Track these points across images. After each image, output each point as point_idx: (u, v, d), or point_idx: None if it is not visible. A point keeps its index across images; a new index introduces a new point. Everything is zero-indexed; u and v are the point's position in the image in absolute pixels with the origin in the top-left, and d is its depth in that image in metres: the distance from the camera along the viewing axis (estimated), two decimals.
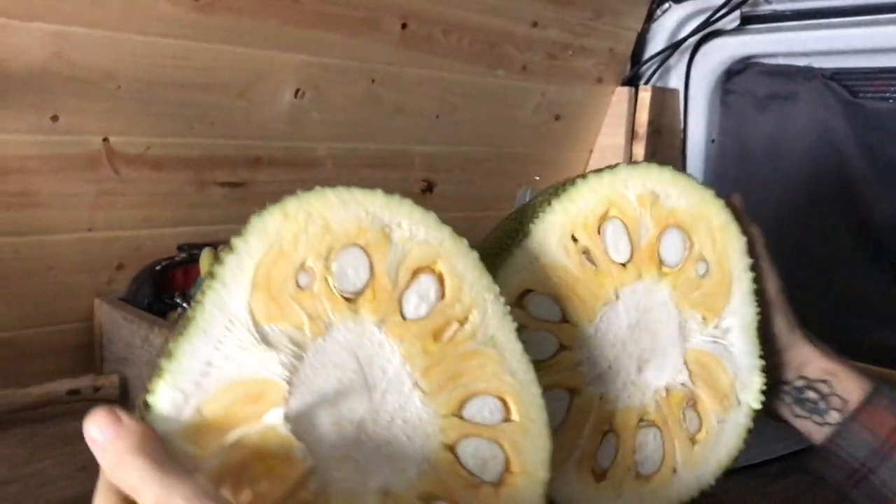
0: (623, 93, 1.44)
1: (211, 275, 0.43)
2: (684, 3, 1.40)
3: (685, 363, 0.60)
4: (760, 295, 0.62)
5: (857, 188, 1.34)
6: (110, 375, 0.86)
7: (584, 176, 0.59)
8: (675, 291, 0.60)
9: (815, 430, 0.62)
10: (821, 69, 1.36)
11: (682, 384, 0.60)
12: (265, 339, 0.43)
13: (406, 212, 0.47)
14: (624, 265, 0.58)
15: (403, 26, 1.07)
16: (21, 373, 0.87)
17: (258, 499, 0.40)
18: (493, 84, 1.23)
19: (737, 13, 1.37)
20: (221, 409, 0.41)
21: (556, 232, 0.56)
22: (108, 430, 0.37)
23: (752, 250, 0.62)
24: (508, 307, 0.50)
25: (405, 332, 0.47)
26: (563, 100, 1.36)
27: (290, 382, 0.43)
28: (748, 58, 1.43)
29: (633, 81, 1.47)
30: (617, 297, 0.58)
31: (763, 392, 0.61)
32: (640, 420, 0.59)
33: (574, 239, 0.57)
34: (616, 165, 0.59)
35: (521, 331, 0.51)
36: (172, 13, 0.86)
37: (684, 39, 1.41)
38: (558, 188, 0.59)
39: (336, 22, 1.00)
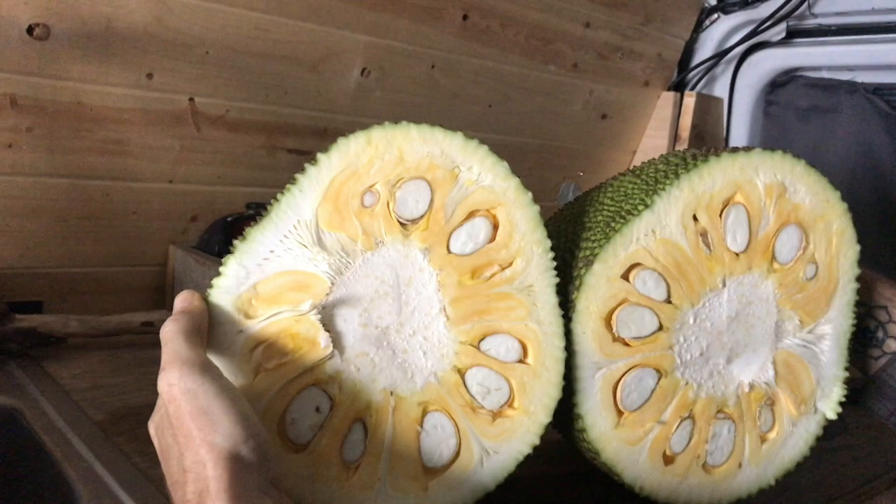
0: (669, 97, 1.51)
1: (293, 180, 0.50)
2: (732, 15, 1.46)
3: (773, 363, 0.59)
4: None
5: (894, 198, 1.38)
6: None
7: (717, 153, 0.57)
8: (779, 289, 0.59)
9: (872, 365, 0.62)
10: (863, 83, 1.40)
11: (766, 383, 0.59)
12: (322, 243, 0.49)
13: (479, 157, 0.51)
14: (737, 255, 0.57)
15: (465, 17, 1.15)
16: (102, 306, 0.95)
17: (281, 366, 0.48)
18: (545, 79, 1.30)
19: (783, 26, 1.42)
20: (272, 290, 0.49)
21: (678, 208, 0.55)
22: (180, 301, 0.48)
23: None
24: (553, 262, 0.53)
25: (446, 264, 0.51)
26: (610, 99, 1.42)
27: (333, 282, 0.49)
28: (793, 70, 1.48)
29: (679, 87, 1.53)
30: (724, 285, 0.57)
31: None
32: (719, 411, 0.58)
33: (695, 218, 0.56)
34: (752, 149, 0.57)
35: (621, 305, 0.54)
36: None
37: (730, 49, 1.47)
38: (688, 160, 0.58)
39: (404, 8, 1.08)
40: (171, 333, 0.45)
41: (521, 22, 1.21)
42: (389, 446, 0.50)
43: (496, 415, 0.52)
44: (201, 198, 1.02)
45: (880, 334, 0.62)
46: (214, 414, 0.41)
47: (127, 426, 0.69)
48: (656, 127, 1.51)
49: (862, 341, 0.62)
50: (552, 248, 0.56)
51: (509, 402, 0.52)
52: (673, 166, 0.57)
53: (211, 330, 0.48)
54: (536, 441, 0.53)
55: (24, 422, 0.69)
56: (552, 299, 0.53)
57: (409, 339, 0.51)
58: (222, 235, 0.98)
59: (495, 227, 0.52)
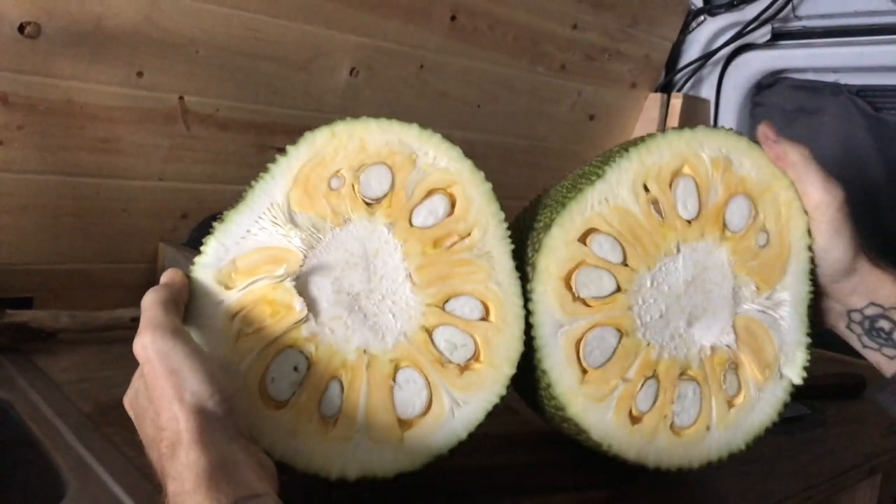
0: (656, 99, 1.52)
1: (266, 169, 0.56)
2: (718, 17, 1.48)
3: (733, 327, 0.61)
4: (817, 212, 0.61)
5: (880, 201, 1.39)
6: None
7: (664, 131, 0.62)
8: (733, 256, 0.61)
9: (886, 364, 0.61)
10: (847, 85, 1.42)
11: (727, 346, 0.61)
12: (294, 221, 0.55)
13: (434, 143, 0.58)
14: (689, 222, 0.60)
15: (453, 18, 1.16)
16: (92, 302, 0.96)
17: (260, 331, 0.54)
18: (533, 79, 1.32)
19: (768, 28, 1.44)
20: (249, 264, 0.54)
21: (629, 178, 0.59)
22: (164, 279, 0.53)
23: (800, 173, 0.61)
24: (508, 231, 0.58)
25: (410, 236, 0.56)
26: (598, 100, 1.44)
27: (306, 255, 0.55)
28: (778, 72, 1.50)
29: (666, 89, 1.55)
30: (678, 250, 0.60)
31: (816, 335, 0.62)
32: (683, 373, 0.60)
33: (646, 188, 0.59)
34: (696, 126, 0.61)
35: (579, 266, 0.58)
36: None
37: (717, 51, 1.49)
38: (638, 139, 0.61)
39: (392, 9, 1.09)
40: (149, 302, 0.50)
41: (509, 23, 1.22)
42: (365, 401, 0.55)
43: (464, 368, 0.56)
44: (191, 196, 1.04)
45: (894, 337, 0.60)
46: (183, 372, 0.46)
47: (115, 417, 0.70)
48: (644, 128, 1.52)
49: (877, 340, 0.61)
50: (530, 221, 0.62)
51: (475, 357, 0.57)
52: (626, 143, 0.62)
53: (195, 301, 0.53)
54: (503, 391, 0.57)
55: (14, 413, 0.71)
56: (509, 263, 0.58)
57: (378, 303, 0.56)
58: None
59: (453, 203, 0.57)
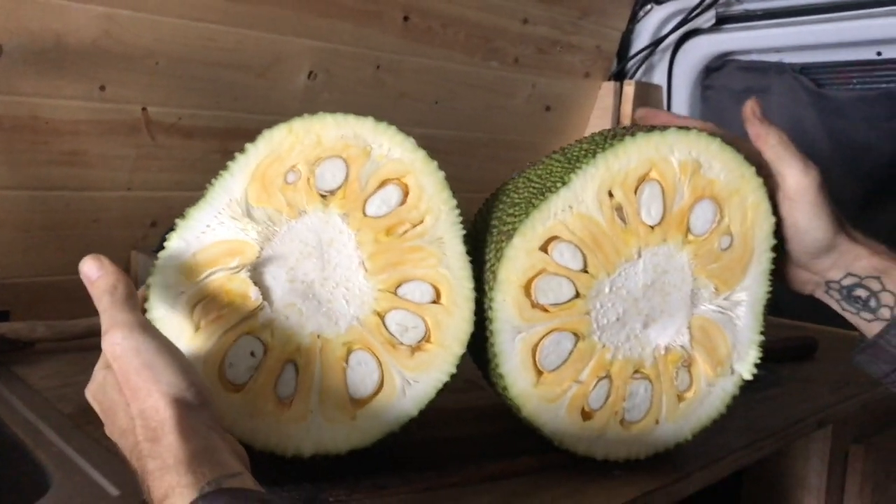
0: (609, 87, 1.57)
1: (225, 167, 0.59)
2: (665, 5, 1.54)
3: (689, 327, 0.63)
4: (797, 194, 0.62)
5: (828, 171, 1.44)
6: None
7: (633, 133, 0.60)
8: (694, 259, 0.62)
9: (864, 325, 0.63)
10: (790, 64, 1.49)
11: (682, 346, 0.63)
12: (251, 215, 0.57)
13: (389, 135, 0.59)
14: (652, 227, 0.61)
15: (405, 18, 1.20)
16: (68, 313, 0.98)
17: (219, 319, 0.56)
18: (488, 75, 1.36)
19: (712, 13, 1.50)
20: (209, 257, 0.57)
21: (594, 185, 0.59)
22: (94, 270, 0.53)
23: (779, 153, 0.62)
24: (460, 217, 0.60)
25: (363, 225, 0.58)
26: (553, 92, 1.48)
27: (262, 246, 0.57)
28: (725, 55, 1.56)
29: (618, 77, 1.60)
30: (639, 255, 0.61)
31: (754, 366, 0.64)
32: (636, 372, 0.62)
33: (610, 194, 0.59)
34: (667, 128, 0.61)
35: (540, 274, 0.59)
36: (206, 1, 0.99)
37: (665, 37, 1.54)
38: (607, 139, 0.61)
39: (346, 12, 1.13)
40: (107, 303, 0.51)
41: (461, 21, 1.26)
42: (319, 382, 0.58)
43: (415, 349, 0.59)
44: (159, 203, 1.06)
45: (873, 303, 0.62)
46: (157, 367, 0.48)
47: (96, 416, 0.72)
48: (599, 116, 1.57)
49: (855, 306, 0.64)
50: (491, 219, 0.63)
51: (426, 338, 0.59)
52: (594, 145, 0.61)
53: (158, 292, 0.56)
54: (453, 370, 0.59)
55: None
56: (460, 248, 0.60)
57: (332, 290, 0.59)
58: None
59: (406, 192, 0.59)
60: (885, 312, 0.61)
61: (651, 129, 0.60)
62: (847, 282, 0.63)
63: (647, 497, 0.62)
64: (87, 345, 0.93)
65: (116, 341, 0.48)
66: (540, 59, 1.42)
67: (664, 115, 0.68)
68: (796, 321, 1.24)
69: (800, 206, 0.62)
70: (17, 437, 0.68)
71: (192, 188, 1.09)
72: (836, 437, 0.90)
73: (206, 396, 0.49)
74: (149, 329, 0.50)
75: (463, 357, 0.60)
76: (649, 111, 0.68)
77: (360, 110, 1.17)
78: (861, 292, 0.63)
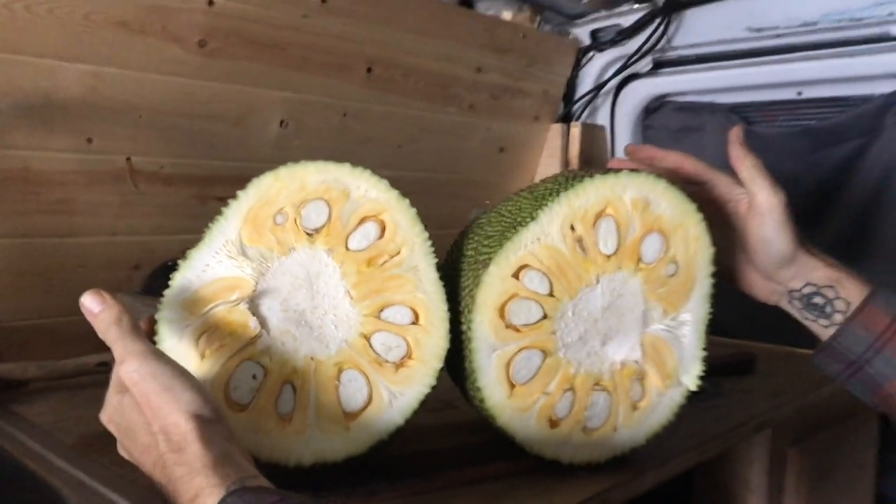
0: (557, 129, 1.68)
1: (220, 212, 0.66)
2: (606, 52, 1.66)
3: (641, 344, 0.70)
4: (766, 211, 0.70)
5: None
6: None
7: (591, 175, 0.68)
8: (645, 284, 0.69)
9: (821, 331, 0.71)
10: (722, 104, 1.61)
11: (635, 361, 0.70)
12: (245, 254, 0.64)
13: (365, 178, 0.66)
14: (609, 257, 0.68)
15: (369, 70, 1.29)
16: (57, 355, 1.03)
17: (222, 347, 0.63)
18: (446, 120, 1.45)
19: (649, 58, 1.62)
20: (210, 292, 0.64)
21: (559, 220, 0.67)
22: (95, 304, 0.58)
23: (753, 174, 0.71)
24: (433, 248, 0.67)
25: (346, 258, 0.65)
26: (506, 134, 1.59)
27: (257, 281, 0.64)
28: (662, 96, 1.68)
29: (565, 119, 1.71)
30: (597, 281, 0.68)
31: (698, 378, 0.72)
32: (596, 384, 0.70)
33: (572, 228, 0.67)
34: (619, 170, 0.68)
35: (512, 298, 0.66)
36: (183, 57, 1.07)
37: (607, 82, 1.66)
38: (569, 180, 0.69)
39: (314, 65, 1.21)
40: (116, 335, 0.56)
41: (420, 71, 1.36)
42: (315, 399, 0.65)
43: (398, 366, 0.66)
44: (142, 247, 1.12)
45: (828, 309, 0.71)
46: (176, 388, 0.54)
47: (100, 445, 0.77)
48: (549, 156, 1.68)
49: (813, 313, 0.72)
50: (466, 250, 0.71)
51: (408, 355, 0.66)
52: (557, 185, 0.69)
53: (166, 325, 0.63)
54: (433, 382, 0.66)
55: (4, 452, 0.77)
56: (434, 275, 0.67)
57: (322, 317, 0.66)
58: (165, 279, 1.07)
59: (383, 227, 0.66)
60: (839, 317, 0.70)
61: (607, 171, 0.69)
62: (807, 290, 0.72)
63: (606, 493, 0.70)
64: (78, 383, 0.98)
65: (133, 368, 0.54)
66: (493, 105, 1.52)
67: (648, 149, 0.78)
68: (737, 339, 1.35)
69: (768, 221, 0.70)
70: (28, 467, 0.73)
71: (173, 232, 1.16)
72: (775, 440, 0.99)
73: (219, 412, 0.56)
74: (161, 355, 0.56)
75: (441, 374, 0.68)
76: (635, 147, 0.78)
77: (328, 155, 1.26)
78: (819, 300, 0.71)
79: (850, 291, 0.70)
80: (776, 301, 0.75)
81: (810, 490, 1.04)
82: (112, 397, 0.58)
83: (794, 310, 0.74)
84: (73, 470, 0.71)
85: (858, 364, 0.69)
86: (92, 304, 0.58)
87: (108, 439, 0.71)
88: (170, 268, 1.08)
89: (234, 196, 0.67)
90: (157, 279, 1.09)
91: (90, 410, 0.91)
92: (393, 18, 1.28)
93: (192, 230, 1.16)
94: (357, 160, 0.66)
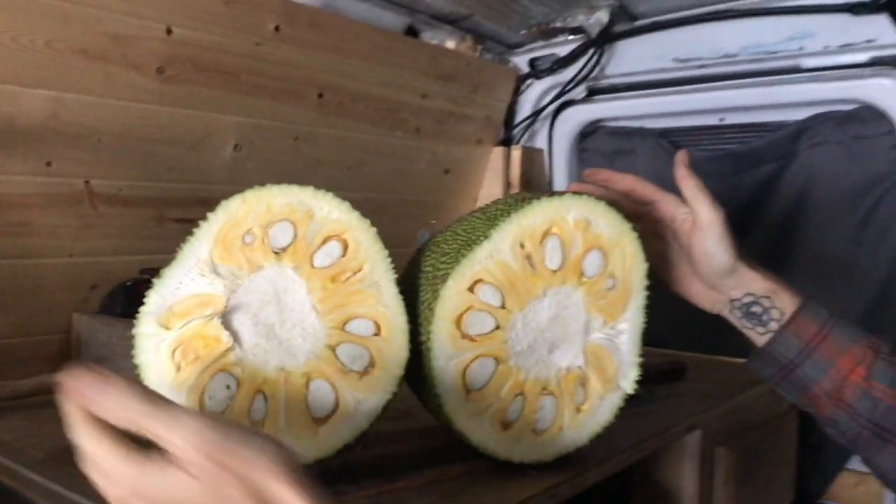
0: (498, 152, 1.76)
1: (191, 233, 0.69)
2: (543, 79, 1.75)
3: (584, 352, 0.76)
4: (707, 227, 0.76)
5: None
6: None
7: (539, 197, 0.74)
8: (587, 297, 0.75)
9: (757, 337, 0.78)
10: (651, 129, 1.71)
11: (579, 367, 0.76)
12: (217, 272, 0.67)
13: (327, 200, 0.70)
14: (554, 272, 0.73)
15: (320, 95, 1.34)
16: (12, 374, 1.04)
17: (196, 360, 0.66)
18: (393, 143, 1.52)
19: (584, 86, 1.72)
20: (183, 308, 0.67)
21: (510, 238, 0.72)
22: (93, 385, 0.46)
23: (695, 193, 0.77)
24: (392, 264, 0.72)
25: (312, 275, 0.69)
26: (450, 157, 1.66)
27: (228, 297, 0.67)
28: (596, 121, 1.77)
29: (506, 143, 1.79)
30: (545, 294, 0.73)
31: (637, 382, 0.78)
32: (543, 389, 0.75)
33: (522, 246, 0.72)
34: (564, 193, 0.74)
35: (468, 310, 0.71)
36: (142, 83, 1.10)
37: (544, 108, 1.75)
38: (518, 202, 0.74)
39: (267, 91, 1.26)
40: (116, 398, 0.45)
41: (369, 97, 1.42)
42: (285, 407, 0.68)
43: (362, 374, 0.70)
44: (99, 268, 1.14)
45: (765, 317, 0.77)
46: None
47: (70, 458, 0.80)
48: (491, 177, 1.75)
49: (752, 321, 0.78)
50: (424, 266, 0.76)
51: (371, 364, 0.70)
52: (507, 206, 0.75)
53: (142, 341, 0.67)
54: (396, 389, 0.71)
55: None
56: (394, 289, 0.71)
57: (290, 330, 0.69)
58: (123, 298, 1.10)
59: (345, 246, 0.70)
60: (773, 325, 0.76)
61: (552, 193, 0.75)
62: (746, 300, 0.78)
63: (554, 489, 0.76)
64: (37, 402, 0.99)
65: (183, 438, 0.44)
66: (438, 129, 1.59)
67: (604, 172, 0.85)
68: (669, 349, 1.44)
69: (709, 235, 0.76)
70: (2, 482, 0.75)
71: (131, 253, 1.19)
72: (705, 440, 1.07)
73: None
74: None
75: (401, 383, 0.73)
76: (591, 171, 0.84)
77: (281, 178, 1.31)
78: (756, 309, 0.77)
79: (784, 302, 0.76)
80: (719, 310, 0.82)
81: (738, 486, 1.12)
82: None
83: (735, 318, 0.80)
84: (47, 482, 0.73)
85: (790, 368, 0.76)
86: (73, 383, 0.47)
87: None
88: (128, 288, 1.12)
89: (190, 217, 0.70)
90: (114, 299, 1.12)
91: (56, 426, 0.92)
92: (343, 47, 1.34)
93: (150, 251, 1.21)
94: (308, 182, 0.70)
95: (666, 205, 0.82)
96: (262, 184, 0.70)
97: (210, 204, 1.25)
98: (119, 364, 1.04)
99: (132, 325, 1.03)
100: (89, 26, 1.02)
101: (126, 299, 1.10)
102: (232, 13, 1.16)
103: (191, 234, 0.69)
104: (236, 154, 1.26)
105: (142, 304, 1.16)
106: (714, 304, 0.82)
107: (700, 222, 0.77)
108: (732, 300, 0.79)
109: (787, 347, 0.76)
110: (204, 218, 0.69)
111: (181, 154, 1.19)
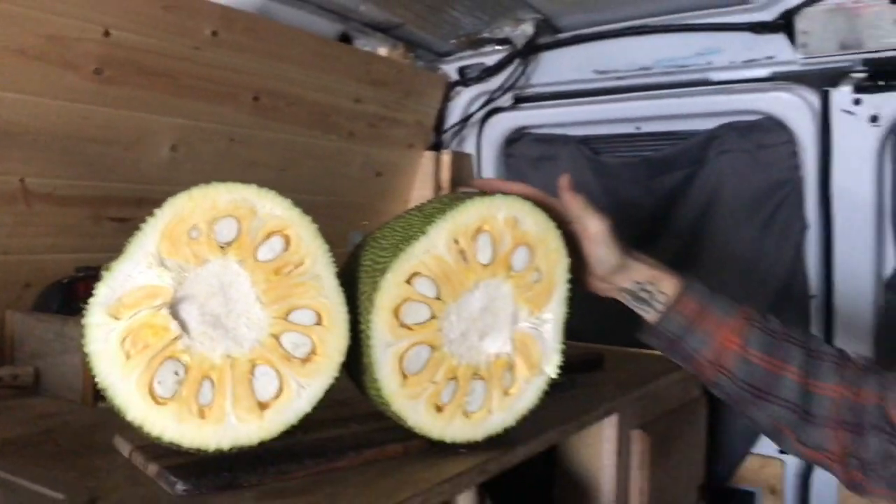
0: (429, 156, 1.83)
1: (139, 228, 0.72)
2: (472, 87, 1.82)
3: (512, 339, 0.82)
4: (596, 236, 0.84)
5: None
6: (27, 367, 1.06)
7: (471, 196, 0.79)
8: (515, 289, 0.81)
9: (648, 317, 0.87)
10: (573, 136, 1.81)
11: (507, 353, 0.82)
12: (164, 265, 0.71)
13: (270, 198, 0.74)
14: (485, 266, 0.79)
15: (255, 98, 1.38)
16: None
17: (146, 348, 0.70)
18: (327, 146, 1.56)
19: (510, 94, 1.80)
20: (132, 299, 0.70)
21: (444, 235, 0.77)
22: None
23: (583, 209, 0.84)
24: (332, 258, 0.76)
25: (256, 268, 0.73)
26: (382, 160, 1.71)
27: (176, 289, 0.71)
28: (521, 128, 1.86)
29: (436, 147, 1.86)
30: (476, 286, 0.79)
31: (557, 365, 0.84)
32: (475, 374, 0.80)
33: (456, 241, 0.78)
34: (494, 194, 0.80)
35: (405, 301, 0.76)
36: (80, 84, 1.12)
37: (473, 115, 1.83)
38: (453, 201, 0.79)
39: (204, 94, 1.29)
40: None
41: (303, 100, 1.46)
42: (231, 391, 0.72)
43: (305, 361, 0.74)
44: (34, 266, 1.15)
45: (652, 300, 0.86)
46: None
47: (17, 448, 0.82)
48: (422, 180, 1.82)
49: (641, 304, 0.87)
50: (363, 260, 0.81)
51: (313, 351, 0.75)
52: (443, 205, 0.80)
53: (93, 331, 0.69)
54: (336, 374, 0.75)
55: None
56: (334, 282, 0.76)
57: (236, 319, 0.73)
58: (60, 295, 1.11)
59: (287, 241, 0.75)
60: (660, 307, 0.86)
61: (484, 194, 0.81)
62: (634, 287, 0.87)
63: (484, 465, 0.82)
64: None
65: None
66: (371, 133, 1.64)
67: (496, 182, 0.92)
68: (588, 343, 1.52)
69: (599, 243, 0.85)
70: None
71: (65, 251, 1.20)
72: (621, 424, 1.16)
73: None
74: None
75: (341, 372, 0.77)
76: (482, 180, 0.92)
77: (216, 178, 1.34)
78: (644, 294, 0.87)
79: (666, 286, 0.86)
80: (614, 295, 0.91)
81: (652, 466, 1.21)
82: None
83: (627, 302, 0.89)
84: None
85: (676, 341, 0.86)
86: None
87: (25, 441, 0.79)
88: (65, 286, 1.13)
89: (127, 216, 0.73)
90: (50, 297, 1.13)
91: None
92: (278, 52, 1.37)
93: (86, 249, 1.22)
94: (243, 182, 0.74)
95: (558, 213, 0.89)
96: (199, 184, 0.73)
97: (147, 203, 1.28)
98: (55, 360, 1.06)
99: (68, 322, 1.05)
100: (27, 27, 1.03)
101: (62, 297, 1.11)
102: (170, 17, 1.18)
103: (128, 232, 0.72)
104: (173, 154, 1.28)
105: (78, 301, 1.18)
106: (608, 292, 0.91)
107: (589, 233, 0.85)
108: (622, 288, 0.88)
109: (673, 324, 0.86)
110: (141, 217, 0.72)
111: (118, 154, 1.20)
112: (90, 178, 1.18)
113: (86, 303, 1.13)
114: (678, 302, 0.85)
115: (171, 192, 1.33)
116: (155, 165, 1.26)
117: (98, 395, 0.98)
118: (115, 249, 1.23)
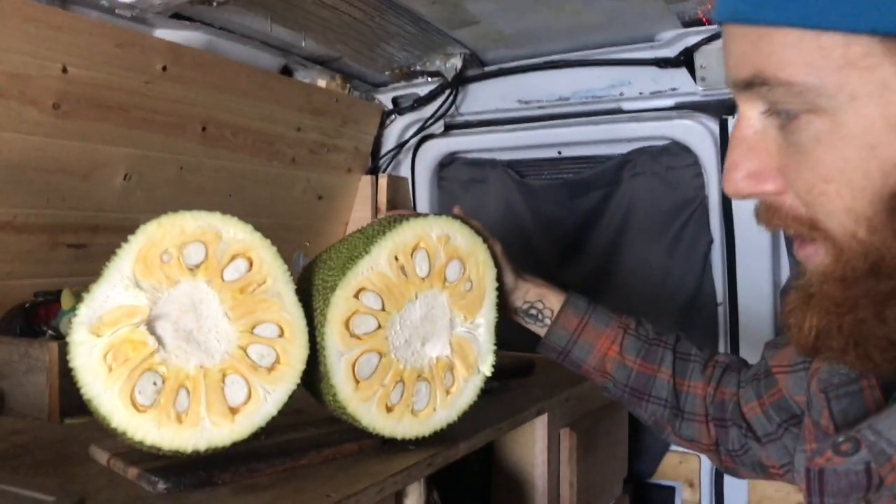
0: (367, 180, 1.93)
1: (115, 253, 0.79)
2: (406, 115, 1.93)
3: (450, 343, 0.90)
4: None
5: (530, 239, 1.90)
6: None
7: (408, 218, 0.87)
8: (450, 298, 0.89)
9: (540, 331, 0.93)
10: (501, 160, 1.92)
11: (447, 356, 0.90)
12: (139, 286, 0.78)
13: (233, 223, 0.82)
14: (423, 279, 0.87)
15: (203, 128, 1.45)
16: None
17: (126, 362, 0.76)
18: (271, 172, 1.64)
19: (442, 122, 1.91)
20: (112, 318, 0.77)
21: (386, 253, 0.85)
22: None
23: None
24: (291, 276, 0.85)
25: (223, 287, 0.81)
26: (323, 184, 1.80)
27: (151, 308, 0.78)
28: (453, 153, 1.97)
29: (373, 171, 1.96)
30: (416, 297, 0.87)
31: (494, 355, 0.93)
32: (419, 376, 0.88)
33: (396, 258, 0.86)
34: (428, 215, 0.89)
35: (354, 314, 0.84)
36: (39, 118, 1.18)
37: (407, 141, 1.93)
38: (391, 222, 0.87)
39: (155, 125, 1.36)
40: None
41: (248, 129, 1.54)
42: (205, 398, 0.80)
43: (270, 369, 0.82)
44: None
45: (540, 316, 0.93)
46: None
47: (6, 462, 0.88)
48: (361, 203, 1.91)
49: (533, 321, 0.94)
50: (315, 280, 0.89)
51: (277, 361, 0.83)
52: (382, 227, 0.87)
53: (75, 348, 0.75)
54: (298, 380, 0.83)
55: None
56: (294, 298, 0.84)
57: (207, 334, 0.81)
58: (22, 318, 1.16)
59: (251, 262, 0.82)
60: (548, 321, 0.93)
61: (419, 215, 0.89)
62: (525, 306, 0.95)
63: (431, 458, 0.91)
64: None
65: None
66: (312, 159, 1.73)
67: (407, 213, 0.99)
68: (521, 352, 1.64)
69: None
70: None
71: (24, 277, 1.25)
72: (551, 422, 1.27)
73: None
74: None
75: (302, 378, 0.86)
76: (397, 211, 1.01)
77: (167, 205, 1.43)
78: (533, 311, 0.94)
79: (552, 302, 0.94)
80: (511, 317, 0.97)
81: (579, 462, 1.33)
82: None
83: (521, 321, 0.96)
84: None
85: (564, 353, 0.93)
86: None
87: (2, 455, 0.87)
88: (27, 310, 1.18)
89: (83, 243, 0.79)
90: (14, 318, 1.18)
91: None
92: (224, 84, 1.46)
93: (43, 275, 1.28)
94: (192, 208, 0.81)
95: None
96: (151, 211, 0.80)
97: (101, 230, 1.35)
98: (20, 380, 1.11)
99: (34, 344, 1.11)
100: None
101: (25, 320, 1.17)
102: (123, 54, 1.25)
103: (84, 258, 0.80)
104: (126, 183, 1.35)
105: (39, 324, 1.24)
106: (507, 314, 0.97)
107: None
108: (515, 308, 0.96)
109: (559, 338, 0.93)
110: (96, 243, 0.79)
111: (74, 183, 1.26)
112: (47, 206, 1.23)
113: (46, 325, 1.20)
114: (560, 317, 0.93)
115: (125, 219, 1.41)
116: (109, 194, 1.32)
117: (64, 411, 1.05)
118: (71, 274, 1.30)
